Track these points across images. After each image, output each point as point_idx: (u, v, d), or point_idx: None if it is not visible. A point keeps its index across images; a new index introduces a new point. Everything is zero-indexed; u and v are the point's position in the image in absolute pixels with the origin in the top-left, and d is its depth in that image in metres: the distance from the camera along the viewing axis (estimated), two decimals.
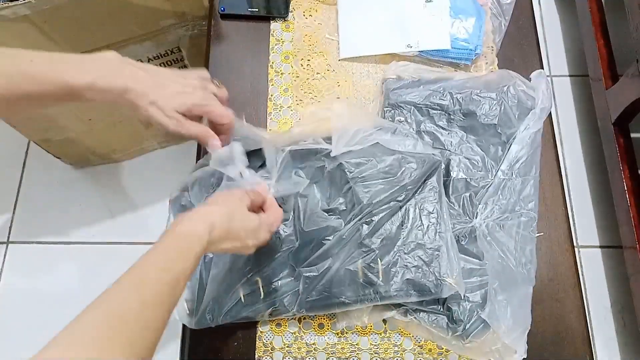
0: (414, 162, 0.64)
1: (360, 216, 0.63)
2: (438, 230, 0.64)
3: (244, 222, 0.54)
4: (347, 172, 0.63)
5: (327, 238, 0.63)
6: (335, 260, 0.62)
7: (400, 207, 0.64)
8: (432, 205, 0.65)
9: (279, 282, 0.64)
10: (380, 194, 0.63)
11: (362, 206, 0.63)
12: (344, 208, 0.64)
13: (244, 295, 0.64)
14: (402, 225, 0.64)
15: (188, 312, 0.64)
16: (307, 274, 0.63)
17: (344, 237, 0.62)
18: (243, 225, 0.53)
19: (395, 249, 0.63)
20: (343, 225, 0.63)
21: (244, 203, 0.55)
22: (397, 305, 0.64)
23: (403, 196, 0.64)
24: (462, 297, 0.64)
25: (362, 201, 0.63)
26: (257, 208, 0.60)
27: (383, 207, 0.63)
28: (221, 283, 0.64)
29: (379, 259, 0.62)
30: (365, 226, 0.63)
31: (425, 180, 0.66)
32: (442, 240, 0.63)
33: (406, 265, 0.62)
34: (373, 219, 0.63)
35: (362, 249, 0.63)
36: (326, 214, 0.64)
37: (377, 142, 0.65)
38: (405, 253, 0.63)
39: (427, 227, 0.64)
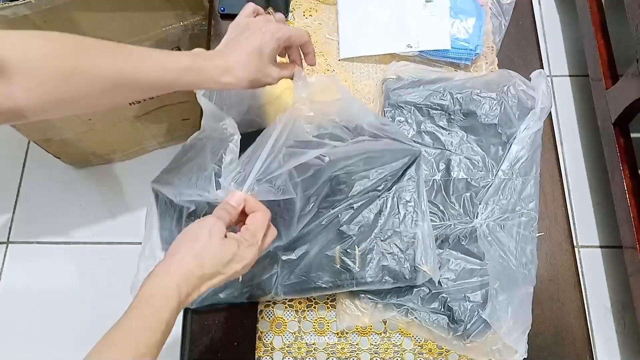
0: (394, 154, 0.66)
1: (340, 204, 0.64)
2: (414, 219, 0.65)
3: (218, 258, 0.48)
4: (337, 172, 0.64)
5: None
6: (313, 245, 0.64)
7: (379, 196, 0.66)
8: (409, 194, 0.66)
9: (257, 265, 0.64)
10: (360, 185, 0.64)
11: (343, 196, 0.64)
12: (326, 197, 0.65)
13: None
14: (380, 214, 0.66)
15: None
16: (285, 258, 0.64)
17: (323, 223, 0.64)
18: (218, 261, 0.48)
19: (372, 236, 0.65)
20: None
21: (216, 234, 0.49)
22: (398, 306, 0.64)
23: (382, 186, 0.66)
24: (463, 297, 0.64)
25: (343, 191, 0.64)
26: (242, 216, 0.55)
27: (363, 196, 0.65)
28: None
29: (356, 246, 0.64)
30: (344, 213, 0.65)
31: (404, 171, 0.67)
32: (418, 228, 0.65)
33: (382, 252, 0.64)
34: (352, 206, 0.65)
35: (340, 236, 0.64)
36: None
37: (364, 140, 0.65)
38: (381, 240, 0.64)
39: (404, 215, 0.66)
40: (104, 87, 0.48)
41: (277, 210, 0.61)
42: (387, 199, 0.66)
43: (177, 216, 0.67)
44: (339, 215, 0.65)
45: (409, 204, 0.66)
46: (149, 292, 0.45)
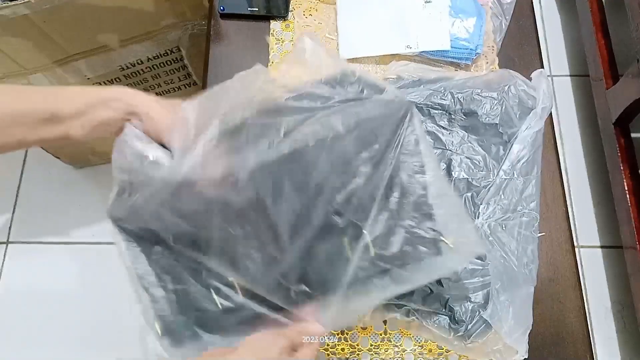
0: (384, 118, 0.51)
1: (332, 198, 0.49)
2: (435, 192, 0.51)
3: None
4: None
5: None
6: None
7: (382, 176, 0.50)
8: (416, 163, 0.51)
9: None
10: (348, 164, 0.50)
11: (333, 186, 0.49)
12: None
13: (221, 304, 0.54)
14: (390, 192, 0.51)
15: (161, 333, 0.54)
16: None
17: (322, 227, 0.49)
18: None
19: (389, 220, 0.51)
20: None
21: (279, 348, 0.50)
22: (399, 306, 0.64)
23: (382, 166, 0.50)
24: (464, 297, 0.64)
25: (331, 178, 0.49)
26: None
27: (367, 181, 0.50)
28: (193, 296, 0.56)
29: (368, 235, 0.50)
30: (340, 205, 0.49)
31: (399, 137, 0.51)
32: (443, 200, 0.51)
33: (406, 233, 0.51)
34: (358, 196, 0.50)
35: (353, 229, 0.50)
36: None
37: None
38: (400, 222, 0.51)
39: (423, 188, 0.52)
40: None
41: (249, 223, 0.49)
42: (393, 178, 0.51)
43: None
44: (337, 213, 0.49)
45: (417, 175, 0.52)
46: None
